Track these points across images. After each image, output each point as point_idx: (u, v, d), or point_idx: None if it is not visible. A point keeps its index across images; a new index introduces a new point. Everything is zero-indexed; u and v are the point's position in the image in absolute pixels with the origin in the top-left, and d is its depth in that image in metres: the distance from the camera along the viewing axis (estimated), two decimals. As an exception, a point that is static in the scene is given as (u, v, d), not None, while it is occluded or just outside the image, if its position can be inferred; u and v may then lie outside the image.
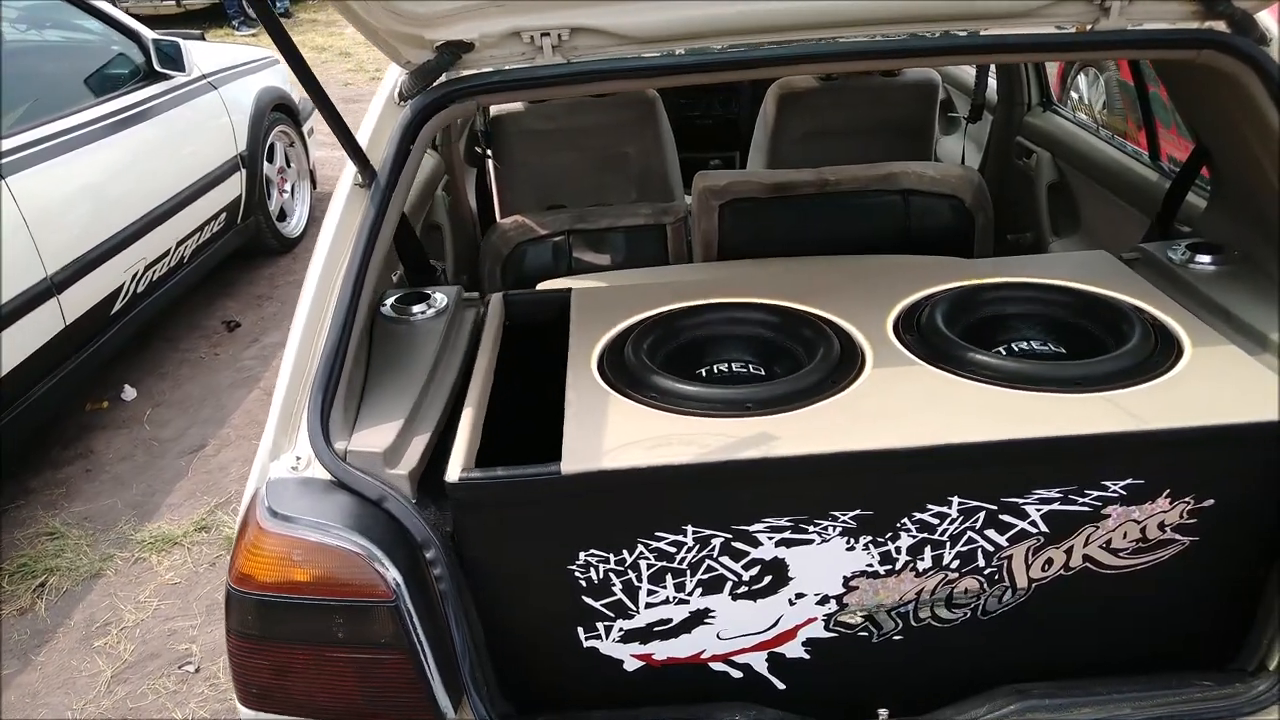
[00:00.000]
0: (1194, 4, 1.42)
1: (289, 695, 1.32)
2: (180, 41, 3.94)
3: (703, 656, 1.43)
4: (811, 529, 1.34)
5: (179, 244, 3.92)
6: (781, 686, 1.45)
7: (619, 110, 2.91)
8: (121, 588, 2.92)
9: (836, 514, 1.33)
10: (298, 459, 1.33)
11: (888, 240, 2.55)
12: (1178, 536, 1.36)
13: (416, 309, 1.71)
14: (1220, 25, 1.44)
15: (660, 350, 1.60)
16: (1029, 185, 2.92)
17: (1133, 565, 1.38)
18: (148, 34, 3.97)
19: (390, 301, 1.72)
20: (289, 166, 5.07)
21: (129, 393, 3.87)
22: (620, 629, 1.40)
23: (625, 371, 1.51)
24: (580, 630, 1.40)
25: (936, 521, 1.34)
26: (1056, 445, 1.29)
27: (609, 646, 1.41)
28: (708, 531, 1.33)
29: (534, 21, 1.40)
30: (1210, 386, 1.39)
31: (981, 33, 1.47)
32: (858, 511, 1.33)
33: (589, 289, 1.85)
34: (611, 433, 1.36)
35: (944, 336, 1.53)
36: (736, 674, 1.44)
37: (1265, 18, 1.49)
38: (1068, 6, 1.44)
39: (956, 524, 1.34)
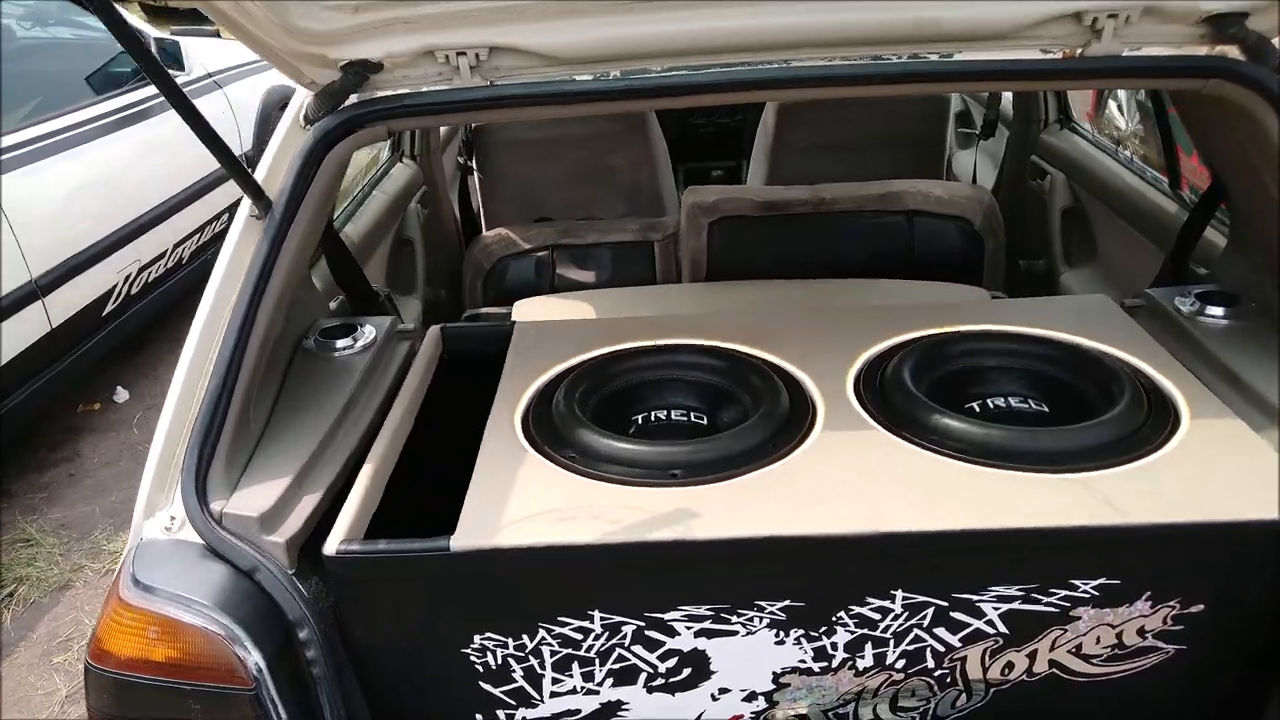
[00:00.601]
0: (1201, 26, 1.24)
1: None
2: (180, 40, 3.87)
3: (617, 751, 1.28)
4: (735, 619, 1.18)
5: (177, 246, 3.86)
6: (706, 788, 1.30)
7: (606, 121, 2.77)
8: (88, 600, 2.84)
9: (763, 604, 1.17)
10: (172, 519, 1.21)
11: (889, 264, 2.37)
12: (1160, 644, 1.18)
13: (341, 343, 1.58)
14: (1232, 50, 1.26)
15: (596, 394, 1.46)
16: (1042, 208, 2.72)
17: (1108, 673, 1.20)
18: (150, 32, 3.90)
19: (316, 335, 1.60)
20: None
21: (121, 395, 3.82)
22: (524, 718, 1.26)
23: (549, 425, 1.37)
24: (479, 715, 1.26)
25: (878, 617, 1.17)
26: (1017, 538, 1.12)
27: (513, 735, 1.27)
28: (618, 618, 1.18)
29: (447, 40, 1.25)
30: (1206, 470, 1.20)
31: (954, 58, 1.30)
32: (787, 602, 1.17)
33: (532, 325, 1.70)
34: (517, 502, 1.22)
35: (908, 394, 1.36)
36: (655, 771, 1.29)
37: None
38: (1053, 28, 1.26)
39: (901, 620, 1.18)
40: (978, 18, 1.25)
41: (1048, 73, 1.30)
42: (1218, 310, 1.52)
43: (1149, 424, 1.30)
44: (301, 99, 1.35)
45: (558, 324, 1.71)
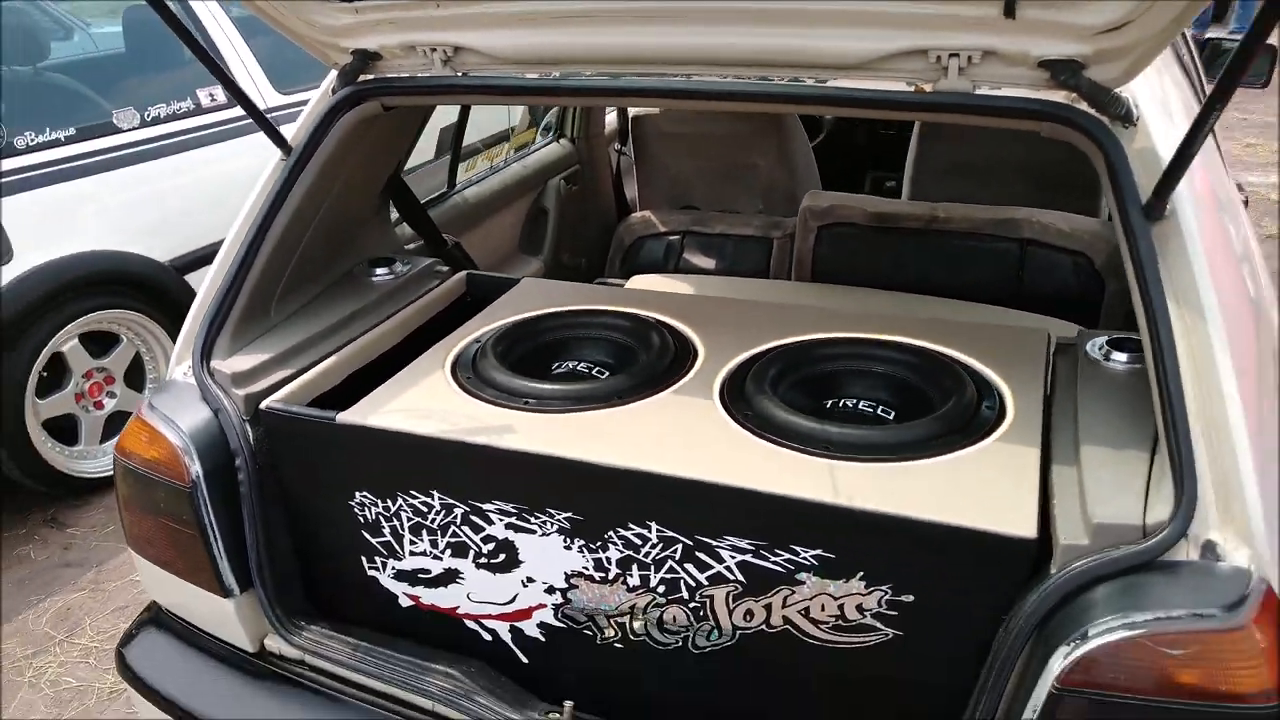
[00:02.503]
0: (1042, 71, 1.31)
1: (147, 546, 1.69)
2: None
3: (459, 612, 1.60)
4: (533, 520, 1.46)
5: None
6: (524, 660, 1.58)
7: (742, 121, 2.99)
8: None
9: (552, 512, 1.44)
10: (187, 369, 1.69)
11: (995, 291, 2.41)
12: (878, 625, 1.30)
13: (379, 271, 2.01)
14: (1067, 97, 1.31)
15: (526, 344, 1.77)
16: None
17: (835, 642, 1.34)
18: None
19: (364, 265, 2.03)
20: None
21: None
22: (393, 567, 1.61)
23: (468, 356, 1.71)
24: (364, 559, 1.63)
25: (639, 542, 1.40)
26: (739, 495, 1.30)
27: (386, 580, 1.63)
28: (450, 500, 1.50)
29: (423, 38, 1.60)
30: (961, 479, 1.30)
31: (829, 83, 1.46)
32: (570, 514, 1.43)
33: (533, 282, 2.03)
34: (406, 400, 1.58)
35: (755, 384, 1.54)
36: (487, 636, 1.59)
37: (1143, 90, 1.32)
38: (906, 62, 1.37)
39: (658, 549, 1.39)
40: (842, 48, 1.39)
41: (898, 104, 1.40)
42: (1122, 356, 1.53)
43: (948, 437, 1.39)
44: (331, 76, 1.77)
45: (551, 284, 2.03)
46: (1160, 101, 1.41)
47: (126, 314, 3.42)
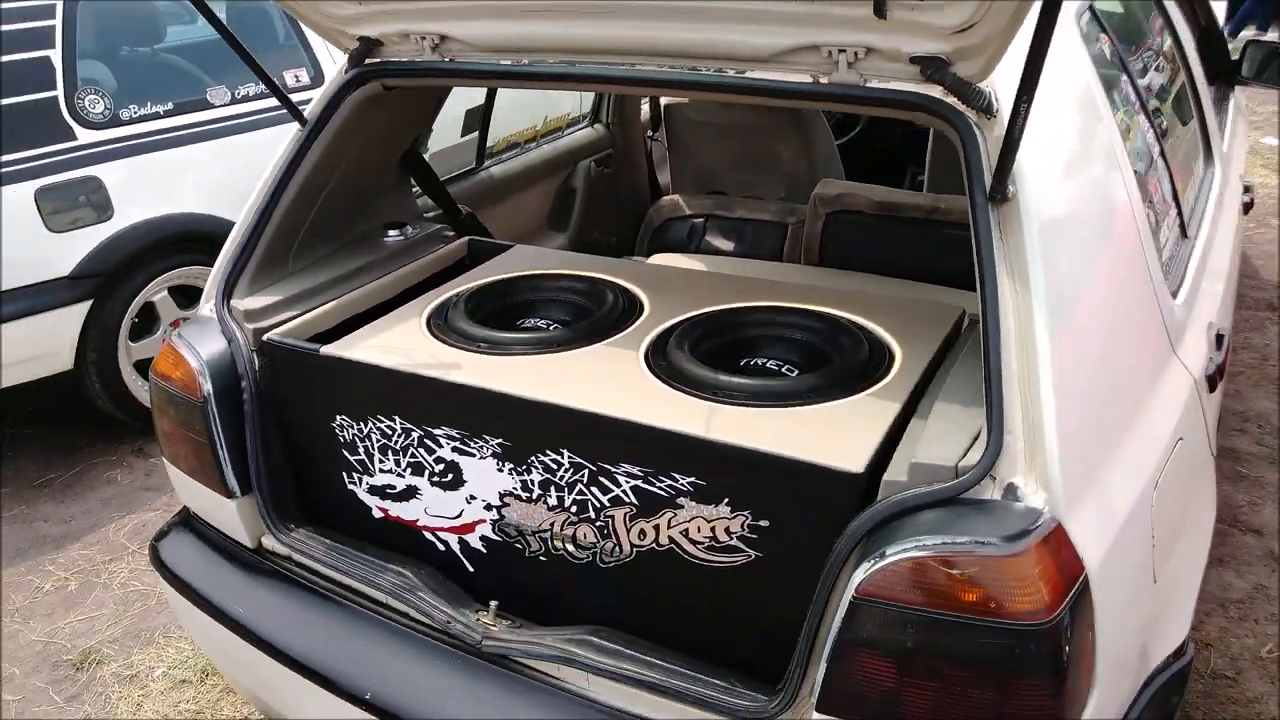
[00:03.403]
0: (913, 66, 1.47)
1: (173, 454, 2.00)
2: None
3: (418, 524, 1.85)
4: (472, 445, 1.70)
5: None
6: (470, 569, 1.83)
7: (768, 114, 3.16)
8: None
9: (487, 437, 1.68)
10: (212, 305, 1.99)
11: None
12: (743, 547, 1.50)
13: (392, 234, 2.28)
14: (940, 91, 1.47)
15: (498, 300, 2.02)
16: None
17: (710, 561, 1.53)
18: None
19: (380, 227, 2.31)
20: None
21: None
22: (366, 483, 1.88)
23: (444, 308, 1.96)
24: (344, 475, 1.90)
25: (555, 467, 1.62)
26: (629, 428, 1.51)
27: (362, 494, 1.90)
28: (409, 425, 1.76)
29: (412, 27, 1.86)
30: (827, 423, 1.49)
31: (746, 74, 1.64)
32: (500, 440, 1.66)
33: (530, 249, 2.28)
34: (383, 339, 1.84)
35: (677, 341, 1.75)
36: (441, 546, 1.84)
37: (1003, 84, 1.46)
38: (804, 56, 1.54)
39: (569, 474, 1.61)
40: (751, 42, 1.58)
41: (800, 94, 1.57)
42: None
43: (827, 388, 1.57)
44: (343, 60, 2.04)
45: (539, 251, 2.26)
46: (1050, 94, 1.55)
47: (209, 270, 3.80)
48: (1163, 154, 2.03)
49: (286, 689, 1.82)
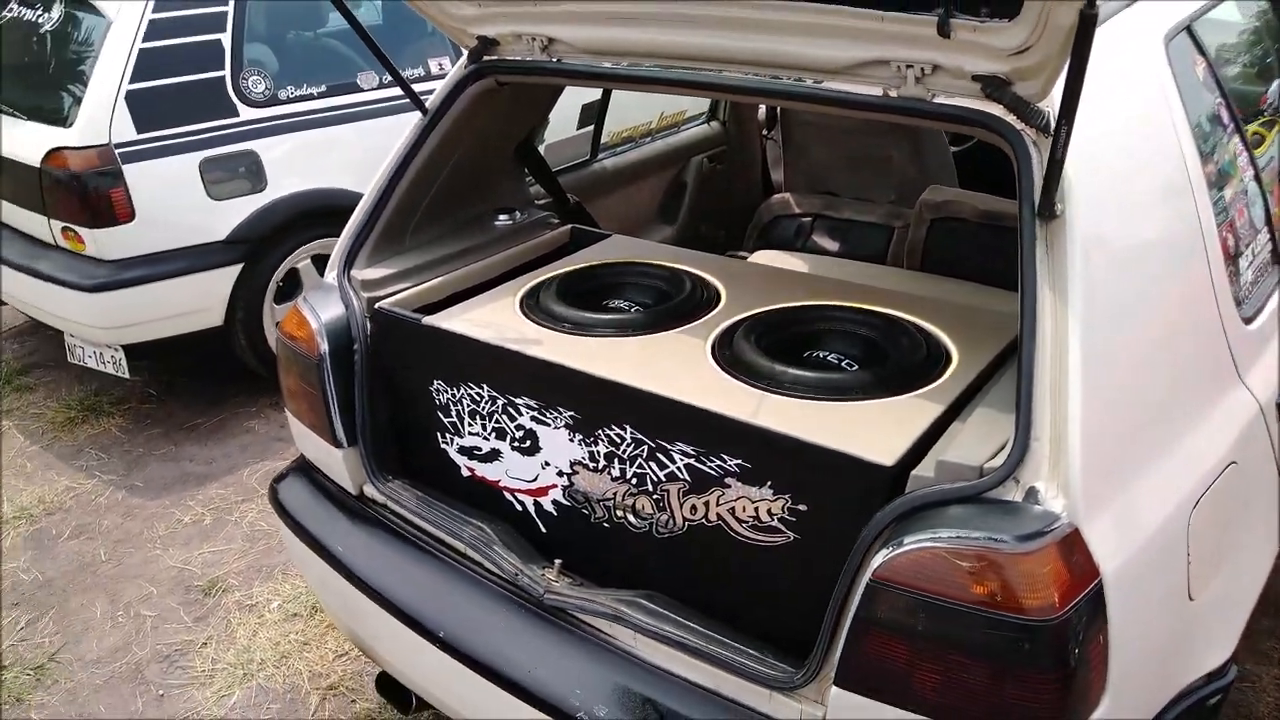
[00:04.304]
0: (976, 84, 1.53)
1: (293, 405, 2.24)
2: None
3: (500, 484, 2.03)
4: (547, 415, 1.86)
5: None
6: (543, 529, 1.99)
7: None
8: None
9: (560, 409, 1.83)
10: (335, 274, 2.22)
11: None
12: (783, 528, 1.60)
13: (502, 218, 2.47)
14: (996, 108, 1.52)
15: (587, 283, 2.17)
16: None
17: (754, 540, 1.64)
18: None
19: (492, 212, 2.50)
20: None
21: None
22: (457, 444, 2.07)
23: (536, 290, 2.13)
24: (439, 434, 2.10)
25: (619, 441, 1.76)
26: (684, 409, 1.64)
27: (453, 454, 2.09)
28: (494, 393, 1.93)
29: (524, 29, 2.02)
30: (864, 420, 1.57)
31: (822, 84, 1.73)
32: (572, 413, 1.81)
33: (625, 239, 2.42)
34: (481, 314, 2.02)
35: (744, 333, 1.86)
36: (519, 506, 2.01)
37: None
38: (876, 70, 1.63)
39: (631, 448, 1.75)
40: (829, 55, 1.66)
41: (870, 105, 1.65)
42: None
43: (878, 386, 1.66)
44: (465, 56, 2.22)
45: (635, 242, 2.40)
46: (1117, 116, 1.59)
47: (349, 242, 4.13)
48: (1257, 178, 2.01)
49: (373, 622, 2.02)
